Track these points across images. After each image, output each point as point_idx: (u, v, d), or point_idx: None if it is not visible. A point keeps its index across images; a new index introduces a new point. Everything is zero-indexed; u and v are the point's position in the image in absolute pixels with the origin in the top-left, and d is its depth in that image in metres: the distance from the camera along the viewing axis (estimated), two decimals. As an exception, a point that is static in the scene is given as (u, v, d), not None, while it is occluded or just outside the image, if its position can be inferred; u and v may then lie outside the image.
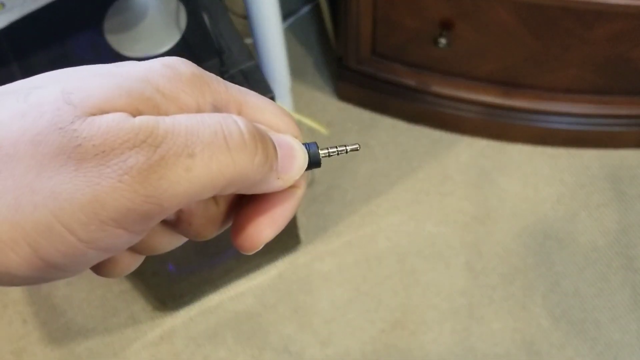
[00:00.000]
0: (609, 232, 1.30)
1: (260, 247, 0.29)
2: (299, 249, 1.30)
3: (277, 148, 0.27)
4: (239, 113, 0.27)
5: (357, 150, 0.32)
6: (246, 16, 1.15)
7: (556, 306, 1.25)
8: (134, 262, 0.28)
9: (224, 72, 0.88)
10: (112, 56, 0.93)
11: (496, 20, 1.16)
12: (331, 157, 0.31)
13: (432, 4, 1.17)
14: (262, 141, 0.25)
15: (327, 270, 1.29)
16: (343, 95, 1.45)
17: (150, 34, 0.95)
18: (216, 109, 0.26)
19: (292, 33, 1.54)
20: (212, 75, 0.27)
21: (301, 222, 1.32)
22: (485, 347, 1.21)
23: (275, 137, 0.27)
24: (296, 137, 0.29)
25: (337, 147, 0.31)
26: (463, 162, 1.39)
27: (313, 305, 1.26)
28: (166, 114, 0.24)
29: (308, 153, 0.29)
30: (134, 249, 0.28)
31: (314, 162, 0.29)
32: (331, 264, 1.29)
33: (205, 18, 0.89)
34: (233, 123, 0.24)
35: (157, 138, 0.23)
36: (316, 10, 1.57)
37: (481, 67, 1.28)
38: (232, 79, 0.89)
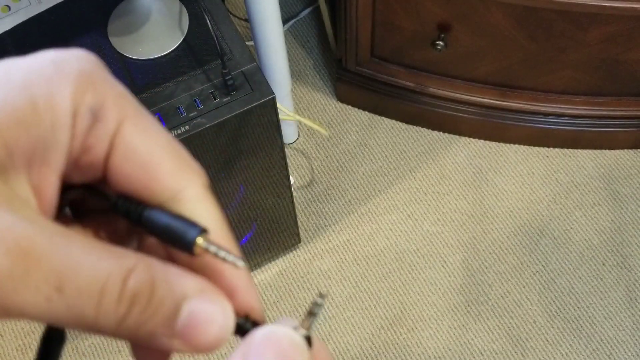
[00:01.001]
0: (604, 231, 1.32)
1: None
2: (298, 247, 1.32)
3: (188, 315, 0.22)
4: (118, 126, 0.24)
5: (237, 267, 0.24)
6: (247, 19, 1.16)
7: (551, 303, 1.26)
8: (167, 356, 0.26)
9: (225, 74, 0.90)
10: (116, 58, 0.95)
11: (492, 22, 1.17)
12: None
13: (430, 7, 1.18)
14: (141, 306, 0.22)
15: (327, 268, 1.31)
16: (342, 96, 1.47)
17: (153, 36, 0.97)
18: (92, 113, 0.23)
19: (293, 35, 1.56)
20: (108, 77, 0.24)
21: (301, 221, 1.34)
22: (482, 344, 1.23)
23: (198, 299, 0.23)
24: (196, 187, 0.24)
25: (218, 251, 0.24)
26: (460, 162, 1.40)
27: (313, 302, 1.28)
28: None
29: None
30: None
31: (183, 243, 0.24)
32: (330, 262, 1.31)
33: (207, 21, 0.91)
34: (119, 281, 0.21)
35: (34, 251, 0.21)
36: (316, 13, 1.58)
37: (478, 68, 1.29)
38: (233, 81, 0.91)
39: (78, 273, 0.21)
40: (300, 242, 1.31)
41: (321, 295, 0.25)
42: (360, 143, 1.43)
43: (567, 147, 1.40)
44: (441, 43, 1.21)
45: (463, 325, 1.25)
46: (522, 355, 1.22)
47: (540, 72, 1.27)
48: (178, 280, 0.23)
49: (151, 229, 0.24)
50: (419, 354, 1.23)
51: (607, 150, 1.40)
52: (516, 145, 1.41)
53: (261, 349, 0.23)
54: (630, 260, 1.29)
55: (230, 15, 1.05)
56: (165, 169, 0.24)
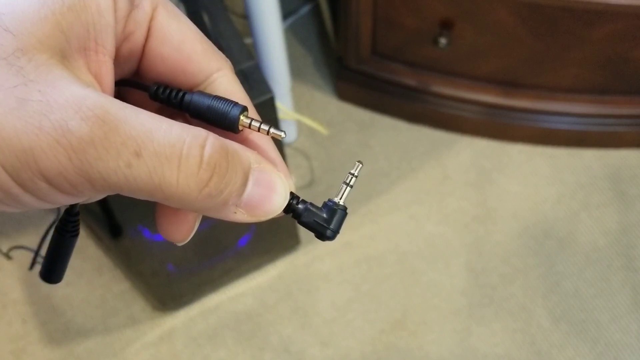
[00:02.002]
0: (610, 232, 1.30)
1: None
2: (298, 249, 1.30)
3: (254, 184, 0.25)
4: (153, 12, 0.26)
5: (280, 138, 0.29)
6: (246, 16, 1.15)
7: (556, 306, 1.24)
8: (194, 222, 0.28)
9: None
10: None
11: (496, 19, 1.16)
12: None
13: (432, 4, 1.17)
14: (220, 174, 0.24)
15: (327, 271, 1.29)
16: (343, 95, 1.45)
17: (149, 33, 0.95)
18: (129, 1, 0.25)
19: (292, 33, 1.54)
20: None
21: (301, 222, 1.32)
22: (486, 348, 1.21)
23: (259, 170, 0.26)
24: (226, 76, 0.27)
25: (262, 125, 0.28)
26: (463, 162, 1.38)
27: (313, 305, 1.26)
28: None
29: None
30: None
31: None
32: (331, 264, 1.29)
33: (205, 18, 0.89)
34: (197, 147, 0.23)
35: (109, 118, 0.22)
36: (316, 10, 1.57)
37: (481, 66, 1.28)
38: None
39: (154, 138, 0.22)
40: (299, 243, 1.29)
41: (360, 162, 0.30)
42: (361, 142, 1.41)
43: (573, 147, 1.39)
44: (444, 40, 1.20)
45: (466, 329, 1.23)
46: (527, 359, 1.20)
47: (544, 70, 1.26)
48: (243, 150, 0.25)
49: (193, 111, 0.26)
50: (421, 358, 1.21)
51: (613, 150, 1.38)
52: (520, 144, 1.40)
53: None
54: (637, 262, 1.28)
55: (229, 12, 1.03)
56: (199, 51, 0.26)
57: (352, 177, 0.30)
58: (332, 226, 0.29)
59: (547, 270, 1.27)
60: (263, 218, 0.26)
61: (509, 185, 1.36)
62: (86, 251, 1.32)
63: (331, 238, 0.28)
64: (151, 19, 0.26)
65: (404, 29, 1.24)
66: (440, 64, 1.30)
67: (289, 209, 0.28)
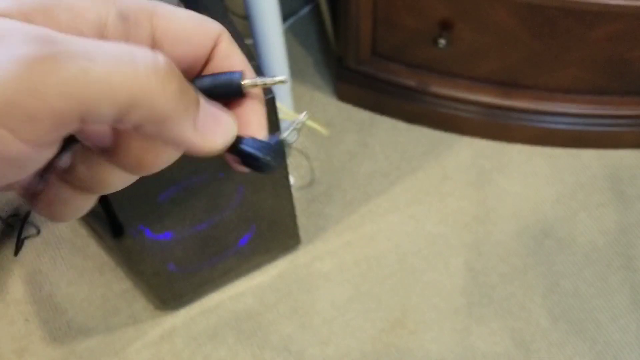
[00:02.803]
0: (609, 232, 1.31)
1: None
2: (298, 248, 1.30)
3: (202, 106, 0.24)
4: (150, 24, 0.25)
5: (283, 82, 0.30)
6: (246, 17, 1.15)
7: (556, 306, 1.25)
8: (84, 202, 0.26)
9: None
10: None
11: (496, 20, 1.16)
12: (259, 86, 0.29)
13: (431, 4, 1.17)
14: (180, 79, 0.23)
15: (327, 270, 1.29)
16: (343, 95, 1.46)
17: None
18: (123, 18, 0.24)
19: (292, 33, 1.55)
20: None
21: (301, 222, 1.32)
22: (485, 347, 1.22)
23: (210, 105, 0.25)
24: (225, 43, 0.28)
25: (263, 78, 0.30)
26: (463, 162, 1.39)
27: (313, 304, 1.26)
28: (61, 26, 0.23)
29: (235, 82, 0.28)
30: (78, 186, 0.25)
31: (236, 88, 0.28)
32: (331, 264, 1.30)
33: (205, 18, 0.89)
34: (150, 53, 0.22)
35: (54, 38, 0.20)
36: (316, 11, 1.57)
37: (481, 67, 1.28)
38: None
39: (103, 46, 0.21)
40: (300, 243, 1.29)
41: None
42: (361, 143, 1.41)
43: (572, 147, 1.39)
44: (443, 41, 1.20)
45: (466, 328, 1.23)
46: (526, 358, 1.20)
47: (544, 71, 1.26)
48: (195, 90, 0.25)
49: (202, 91, 0.27)
50: (421, 357, 1.21)
51: (612, 150, 1.39)
52: (520, 145, 1.40)
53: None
54: (636, 261, 1.28)
55: (229, 13, 1.03)
56: (200, 19, 0.27)
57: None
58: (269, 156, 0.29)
59: (547, 270, 1.28)
60: (218, 142, 0.25)
61: (508, 185, 1.36)
62: (87, 250, 1.32)
63: (268, 167, 0.28)
64: (153, 30, 0.26)
65: (404, 29, 1.24)
66: (440, 65, 1.30)
67: (235, 148, 0.28)
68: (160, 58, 0.22)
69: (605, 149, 1.39)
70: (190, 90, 0.24)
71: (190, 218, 1.07)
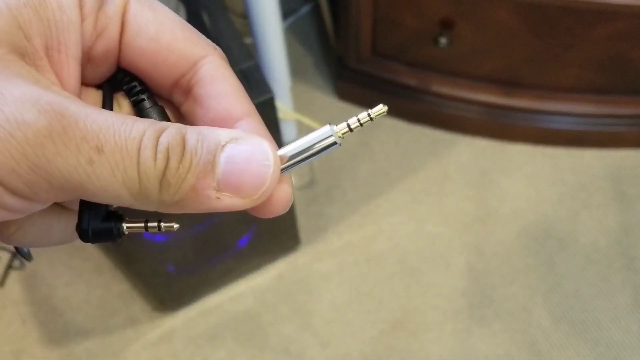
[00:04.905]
0: (610, 233, 1.30)
1: None
2: (298, 249, 1.30)
3: (227, 160, 0.23)
4: (125, 4, 0.24)
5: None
6: (246, 16, 1.15)
7: (557, 306, 1.24)
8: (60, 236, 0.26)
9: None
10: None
11: (497, 19, 1.16)
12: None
13: (432, 3, 1.17)
14: (175, 159, 0.22)
15: (327, 271, 1.29)
16: (343, 94, 1.45)
17: (149, 33, 0.95)
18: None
19: (292, 32, 1.54)
20: None
21: (301, 223, 1.32)
22: (486, 348, 1.21)
23: (235, 143, 0.23)
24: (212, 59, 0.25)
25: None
26: (463, 162, 1.38)
27: (313, 305, 1.26)
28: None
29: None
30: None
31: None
32: (331, 265, 1.29)
33: (205, 17, 0.89)
34: (153, 138, 0.21)
35: (68, 112, 0.20)
36: (316, 10, 1.57)
37: (482, 66, 1.28)
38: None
39: (115, 132, 0.21)
40: (300, 243, 1.29)
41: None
42: (362, 142, 1.41)
43: (573, 147, 1.39)
44: (444, 40, 1.20)
45: (467, 329, 1.23)
46: (527, 360, 1.20)
47: (545, 70, 1.26)
48: (210, 131, 0.23)
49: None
50: (421, 358, 1.21)
51: (613, 150, 1.38)
52: (521, 144, 1.40)
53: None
54: (637, 262, 1.27)
55: (229, 12, 1.03)
56: (180, 39, 0.24)
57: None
58: None
59: (548, 271, 1.27)
60: (256, 196, 0.24)
61: (509, 185, 1.36)
62: (85, 251, 1.32)
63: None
64: (124, 12, 0.24)
65: (404, 28, 1.24)
66: (441, 64, 1.30)
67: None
68: (161, 142, 0.22)
69: (607, 148, 1.39)
70: (195, 160, 0.22)
71: (189, 218, 1.06)
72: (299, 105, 1.45)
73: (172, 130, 0.22)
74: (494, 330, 1.22)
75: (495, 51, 1.23)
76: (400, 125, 1.43)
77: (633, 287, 1.25)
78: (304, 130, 1.42)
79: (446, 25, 1.20)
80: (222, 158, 0.22)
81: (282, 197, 0.25)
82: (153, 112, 0.25)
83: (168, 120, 0.26)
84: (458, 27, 1.20)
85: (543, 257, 1.28)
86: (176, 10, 0.96)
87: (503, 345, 1.21)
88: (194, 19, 0.95)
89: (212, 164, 0.22)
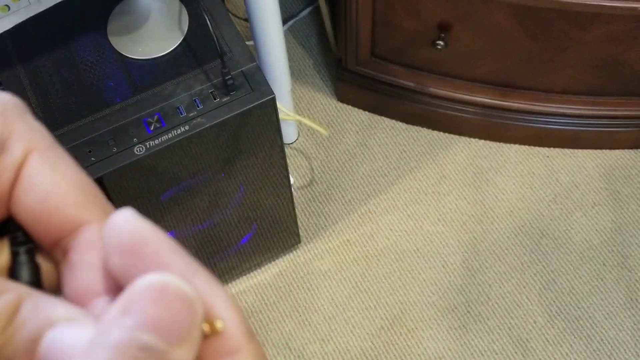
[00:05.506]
0: (604, 231, 1.32)
1: None
2: (299, 247, 1.32)
3: (46, 343, 0.20)
4: (25, 158, 0.23)
5: None
6: (247, 18, 1.16)
7: (552, 304, 1.26)
8: None
9: (225, 74, 0.90)
10: (116, 58, 0.95)
11: (493, 22, 1.17)
12: None
13: (430, 7, 1.18)
14: (2, 326, 0.20)
15: (327, 269, 1.31)
16: (342, 96, 1.47)
17: (152, 35, 0.97)
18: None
19: (293, 35, 1.56)
20: (23, 113, 0.24)
21: (301, 221, 1.33)
22: (482, 344, 1.23)
23: (57, 327, 0.21)
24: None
25: None
26: (460, 162, 1.40)
27: (313, 302, 1.28)
28: None
29: None
30: None
31: None
32: (331, 262, 1.31)
33: (207, 20, 0.91)
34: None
35: None
36: (316, 13, 1.58)
37: (478, 68, 1.29)
38: (233, 81, 0.91)
39: None
40: (300, 242, 1.30)
41: None
42: (361, 143, 1.43)
43: (568, 147, 1.40)
44: (442, 43, 1.21)
45: (463, 326, 1.25)
46: (523, 356, 1.22)
47: (540, 72, 1.27)
48: (47, 305, 0.21)
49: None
50: (419, 354, 1.23)
51: (607, 150, 1.40)
52: (516, 145, 1.41)
53: (143, 301, 0.20)
54: (630, 260, 1.29)
55: (230, 15, 1.05)
56: (70, 203, 0.23)
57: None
58: None
59: (543, 268, 1.29)
60: None
61: (505, 184, 1.37)
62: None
63: None
64: (20, 166, 0.23)
65: (403, 31, 1.25)
66: (438, 66, 1.31)
67: None
68: None
69: (601, 149, 1.40)
70: (20, 331, 0.20)
71: (192, 217, 1.08)
72: (299, 107, 1.47)
73: (9, 296, 0.20)
74: (490, 327, 1.24)
75: (492, 53, 1.24)
76: (398, 126, 1.44)
77: (626, 284, 1.27)
78: (304, 130, 1.43)
79: (444, 28, 1.21)
80: (47, 338, 0.20)
81: None
82: (25, 269, 0.24)
83: (38, 280, 0.24)
84: (455, 30, 1.21)
85: (538, 255, 1.30)
86: (179, 15, 0.98)
87: (499, 341, 1.23)
88: (196, 21, 0.97)
89: (35, 342, 0.20)
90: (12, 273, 0.24)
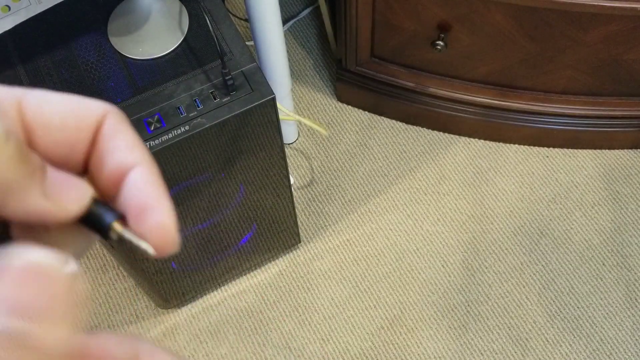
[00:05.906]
0: (603, 231, 1.32)
1: None
2: (299, 247, 1.32)
3: (50, 172, 0.23)
4: (17, 111, 0.24)
5: (148, 253, 0.26)
6: (247, 19, 1.16)
7: (551, 303, 1.26)
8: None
9: (225, 74, 0.90)
10: (116, 58, 0.95)
11: (492, 22, 1.17)
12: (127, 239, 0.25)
13: (429, 8, 1.18)
14: (17, 144, 0.21)
15: (327, 268, 1.31)
16: (342, 96, 1.47)
17: (153, 36, 0.97)
18: None
19: (293, 36, 1.56)
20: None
21: (301, 221, 1.34)
22: (482, 344, 1.23)
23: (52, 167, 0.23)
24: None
25: (132, 238, 0.25)
26: (460, 162, 1.40)
27: (313, 302, 1.28)
28: None
29: (100, 215, 0.24)
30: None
31: (99, 226, 0.24)
32: (331, 262, 1.31)
33: (208, 20, 0.91)
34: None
35: None
36: (316, 14, 1.58)
37: (478, 69, 1.29)
38: (233, 81, 0.91)
39: None
40: (300, 242, 1.31)
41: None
42: (360, 143, 1.43)
43: (567, 147, 1.41)
44: (441, 43, 1.21)
45: (463, 325, 1.25)
46: (522, 355, 1.22)
47: (540, 72, 1.27)
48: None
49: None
50: (419, 354, 1.23)
51: (607, 150, 1.40)
52: (516, 145, 1.41)
53: (18, 282, 0.19)
54: (630, 260, 1.30)
55: (230, 15, 1.05)
56: (74, 114, 0.24)
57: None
58: None
59: (542, 268, 1.29)
60: (72, 205, 0.23)
61: (504, 184, 1.38)
62: (91, 250, 1.34)
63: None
64: (18, 110, 0.24)
65: (402, 32, 1.25)
66: (438, 66, 1.31)
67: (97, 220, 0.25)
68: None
69: (600, 149, 1.40)
70: (33, 156, 0.22)
71: (192, 217, 1.08)
72: (299, 107, 1.47)
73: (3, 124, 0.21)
74: (489, 327, 1.25)
75: (491, 54, 1.24)
76: (398, 126, 1.45)
77: (626, 284, 1.27)
78: (304, 130, 1.44)
79: (443, 29, 1.22)
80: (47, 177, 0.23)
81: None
82: None
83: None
84: (455, 30, 1.21)
85: (537, 255, 1.31)
86: (179, 15, 0.98)
87: (499, 341, 1.23)
88: (197, 21, 0.97)
89: (41, 165, 0.23)
90: None
